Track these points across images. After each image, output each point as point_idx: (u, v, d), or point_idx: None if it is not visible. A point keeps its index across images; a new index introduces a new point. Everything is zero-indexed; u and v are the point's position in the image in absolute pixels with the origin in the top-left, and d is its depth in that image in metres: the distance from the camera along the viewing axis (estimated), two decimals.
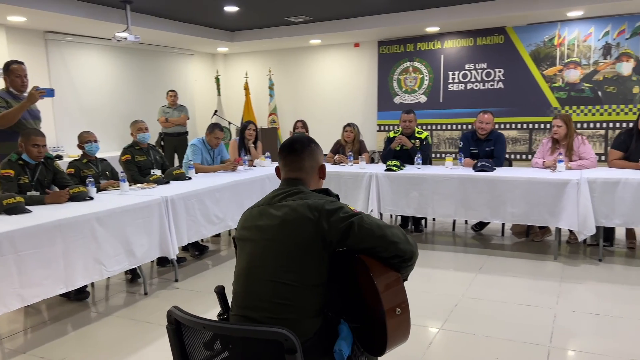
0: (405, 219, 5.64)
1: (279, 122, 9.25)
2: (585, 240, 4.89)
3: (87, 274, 3.51)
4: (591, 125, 7.35)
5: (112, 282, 4.34)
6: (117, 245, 3.69)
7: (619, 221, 4.26)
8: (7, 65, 4.35)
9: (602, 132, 7.32)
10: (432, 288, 3.85)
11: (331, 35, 8.20)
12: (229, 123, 8.73)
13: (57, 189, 4.01)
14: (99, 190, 4.23)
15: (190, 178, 4.93)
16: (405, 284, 1.74)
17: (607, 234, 4.60)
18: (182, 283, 4.27)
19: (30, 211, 3.47)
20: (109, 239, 3.62)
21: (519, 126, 7.80)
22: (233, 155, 5.81)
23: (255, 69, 9.59)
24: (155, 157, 5.13)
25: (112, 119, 7.87)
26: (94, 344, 3.21)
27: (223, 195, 4.64)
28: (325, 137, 6.12)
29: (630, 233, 4.78)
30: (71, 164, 4.48)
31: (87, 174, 4.38)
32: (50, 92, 4.40)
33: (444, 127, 8.23)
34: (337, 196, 1.84)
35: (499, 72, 7.85)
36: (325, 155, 6.13)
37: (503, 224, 5.38)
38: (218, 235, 5.59)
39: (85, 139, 4.51)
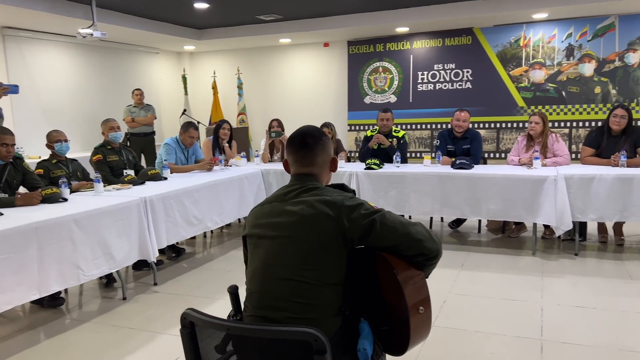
0: None
1: (248, 121, 9.12)
2: (559, 236, 5.01)
3: (63, 279, 3.33)
4: (556, 124, 7.57)
5: (86, 288, 4.15)
6: (96, 249, 3.53)
7: (594, 216, 4.38)
8: None
9: (566, 130, 7.55)
10: None
11: (301, 34, 8.14)
12: (198, 123, 8.50)
13: (27, 191, 3.81)
14: (71, 191, 4.03)
15: (166, 178, 4.78)
16: None
17: (580, 228, 4.73)
18: (161, 287, 4.12)
19: (1, 214, 3.27)
20: (87, 242, 3.45)
21: (487, 125, 7.95)
22: (207, 155, 5.67)
23: (223, 67, 9.42)
24: (128, 157, 4.95)
25: (76, 119, 7.56)
26: (72, 353, 3.05)
27: (202, 196, 4.52)
28: None
29: (602, 227, 4.93)
30: (40, 165, 4.26)
31: (57, 175, 4.18)
32: (14, 89, 4.18)
33: (414, 126, 8.30)
34: (353, 192, 1.79)
35: (467, 72, 7.98)
36: None
37: (480, 221, 5.46)
38: (193, 237, 5.44)
39: (54, 139, 4.31)
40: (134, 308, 3.71)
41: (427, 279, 1.70)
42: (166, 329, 3.32)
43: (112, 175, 4.69)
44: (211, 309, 3.63)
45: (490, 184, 4.57)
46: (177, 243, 4.91)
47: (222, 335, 1.62)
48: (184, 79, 9.18)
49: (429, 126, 8.29)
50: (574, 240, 4.74)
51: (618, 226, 4.81)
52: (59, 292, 3.69)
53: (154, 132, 7.97)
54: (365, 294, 1.74)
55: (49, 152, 4.34)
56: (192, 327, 1.61)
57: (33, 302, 3.50)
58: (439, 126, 8.16)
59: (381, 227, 1.62)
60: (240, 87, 9.04)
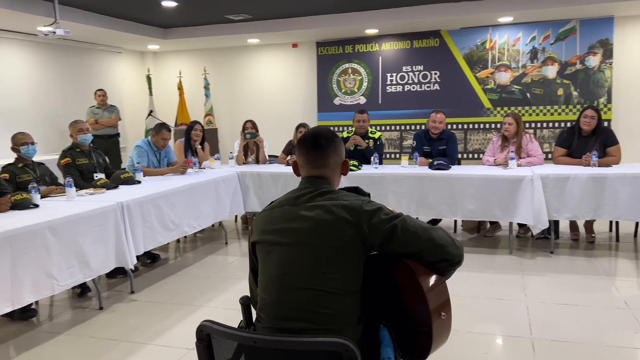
0: None
1: (215, 123, 8.94)
2: (532, 234, 5.13)
3: (37, 290, 3.17)
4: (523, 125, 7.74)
5: (58, 298, 3.95)
6: (71, 257, 3.36)
7: (569, 214, 4.49)
8: None
9: (531, 131, 7.73)
10: None
11: (270, 34, 8.05)
12: None
13: None
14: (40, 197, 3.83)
15: (139, 182, 4.61)
16: None
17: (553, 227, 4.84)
18: (139, 295, 3.97)
19: None
20: (63, 250, 3.29)
21: (454, 126, 8.06)
22: (179, 158, 5.52)
23: (189, 68, 9.21)
24: (98, 160, 4.75)
25: (35, 120, 7.21)
26: None
27: (178, 200, 4.38)
28: (264, 138, 5.97)
29: (573, 225, 5.07)
30: (5, 169, 4.04)
31: (24, 180, 3.97)
32: None
33: (383, 128, 8.33)
34: (368, 195, 1.74)
35: (435, 74, 8.08)
36: (276, 156, 6.00)
37: (455, 221, 5.52)
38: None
39: (20, 141, 4.09)
40: (112, 318, 3.55)
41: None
42: (150, 339, 3.19)
43: (82, 179, 4.49)
44: (195, 317, 3.51)
45: (468, 185, 4.62)
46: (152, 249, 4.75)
47: (232, 348, 1.54)
48: (149, 79, 8.92)
49: (398, 127, 8.35)
50: (547, 238, 4.86)
51: (589, 224, 4.95)
52: (31, 304, 3.48)
53: (118, 134, 7.70)
54: (383, 300, 1.69)
55: (14, 155, 4.11)
56: (209, 339, 1.52)
57: (3, 314, 3.29)
58: (408, 127, 8.24)
59: (403, 232, 1.57)
60: (207, 87, 8.85)
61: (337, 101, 8.56)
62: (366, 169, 5.02)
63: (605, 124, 6.89)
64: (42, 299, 3.82)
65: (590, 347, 2.90)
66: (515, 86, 7.78)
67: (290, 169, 5.28)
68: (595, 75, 7.40)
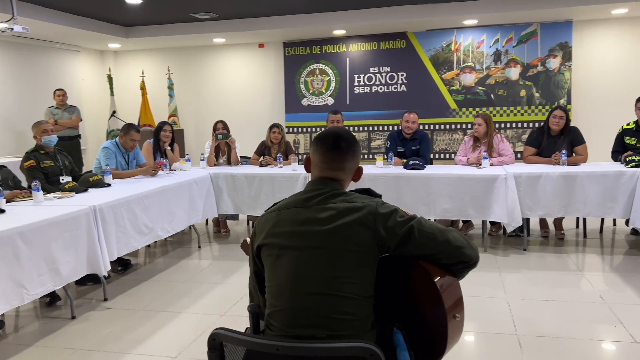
0: None
1: (180, 123, 8.73)
2: (504, 232, 5.23)
3: (7, 300, 2.98)
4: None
5: (24, 308, 3.74)
6: (41, 265, 3.18)
7: (541, 212, 4.60)
8: None
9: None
10: None
11: (236, 34, 7.93)
12: None
13: None
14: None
15: (109, 185, 4.43)
16: None
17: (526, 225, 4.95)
18: (112, 302, 3.80)
19: None
20: (33, 257, 3.11)
21: (421, 127, 8.11)
22: (148, 159, 5.34)
23: (152, 67, 8.96)
24: (64, 162, 4.55)
25: None
26: None
27: (152, 203, 4.24)
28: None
29: (543, 223, 5.20)
30: None
31: None
32: None
33: (351, 129, 8.34)
34: (380, 196, 1.69)
35: (402, 75, 8.16)
36: (247, 157, 5.91)
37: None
38: None
39: None
40: (86, 327, 3.38)
41: None
42: (128, 348, 3.05)
43: (47, 182, 4.28)
44: (175, 324, 3.39)
45: (444, 184, 4.67)
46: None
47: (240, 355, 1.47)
48: (110, 78, 8.63)
49: (366, 128, 8.38)
50: (519, 236, 4.97)
51: (558, 221, 5.09)
52: None
53: (79, 136, 7.42)
54: (396, 302, 1.65)
55: None
56: (222, 348, 1.45)
57: None
58: (376, 128, 8.28)
59: (419, 234, 1.54)
60: (171, 87, 8.64)
61: (305, 102, 8.52)
62: None
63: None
64: (7, 311, 3.62)
65: (575, 341, 2.96)
66: (480, 87, 7.94)
67: (264, 170, 5.21)
68: (556, 77, 7.64)
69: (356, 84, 8.32)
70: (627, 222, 5.06)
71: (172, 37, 7.97)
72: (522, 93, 7.80)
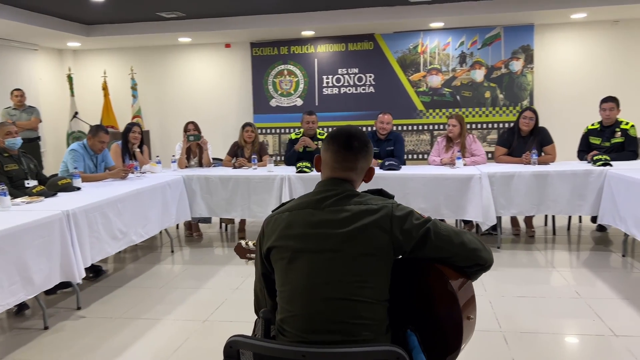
0: None
1: (144, 125, 8.50)
2: (477, 230, 5.32)
3: None
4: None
5: None
6: (13, 273, 3.02)
7: (515, 210, 4.71)
8: None
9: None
10: None
11: (202, 33, 7.79)
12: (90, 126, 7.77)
13: None
14: None
15: (79, 188, 4.26)
16: None
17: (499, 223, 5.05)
18: (87, 310, 3.65)
19: None
20: (4, 265, 2.95)
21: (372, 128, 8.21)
22: (116, 162, 5.17)
23: (114, 67, 8.69)
24: (29, 165, 4.35)
25: None
26: None
27: (126, 207, 4.09)
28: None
29: (514, 221, 5.32)
30: None
31: None
32: None
33: (321, 130, 8.32)
34: (392, 197, 1.66)
35: (370, 77, 8.21)
36: (219, 159, 5.80)
37: None
38: None
39: None
40: (60, 338, 3.23)
41: None
42: (109, 358, 2.93)
43: (11, 186, 4.07)
44: (156, 331, 3.29)
45: (420, 184, 4.71)
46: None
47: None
48: (70, 78, 8.31)
49: (325, 130, 8.36)
50: (491, 234, 5.06)
51: (529, 219, 5.22)
52: None
53: (38, 138, 7.12)
54: (409, 305, 1.63)
55: None
56: (238, 356, 1.40)
57: None
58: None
59: (436, 237, 1.52)
60: (134, 88, 8.40)
61: (273, 103, 8.45)
62: None
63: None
64: None
65: (558, 337, 3.04)
66: (446, 89, 8.07)
67: (240, 172, 5.12)
68: (519, 79, 7.85)
69: (325, 85, 8.31)
70: (592, 220, 5.25)
71: (135, 36, 7.75)
72: (487, 94, 7.98)
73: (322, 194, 1.59)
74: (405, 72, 8.14)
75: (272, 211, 1.69)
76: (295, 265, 1.52)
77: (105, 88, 8.34)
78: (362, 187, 1.69)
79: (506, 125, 7.84)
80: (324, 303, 1.47)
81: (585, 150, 5.18)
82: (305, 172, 4.87)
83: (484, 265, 1.58)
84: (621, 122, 5.04)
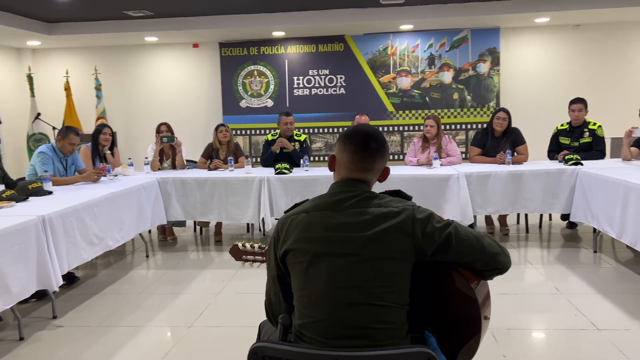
0: None
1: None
2: None
3: None
4: (421, 127, 8.11)
5: None
6: None
7: (491, 209, 4.80)
8: None
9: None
10: None
11: (169, 33, 7.62)
12: (53, 128, 7.49)
13: None
14: None
15: (51, 192, 4.08)
16: None
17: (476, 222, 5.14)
18: (63, 319, 3.50)
19: None
20: None
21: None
22: (86, 164, 4.99)
23: (77, 67, 8.39)
24: None
25: None
26: None
27: (101, 211, 3.95)
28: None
29: (489, 220, 5.43)
30: None
31: None
32: None
33: (297, 131, 8.27)
34: (410, 198, 1.63)
35: (341, 78, 8.22)
36: (192, 161, 5.69)
37: None
38: None
39: None
40: (38, 349, 3.08)
41: None
42: None
43: None
44: (140, 339, 3.18)
45: (398, 185, 4.71)
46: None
47: None
48: (30, 78, 7.97)
49: (306, 131, 8.34)
50: None
51: (503, 218, 5.33)
52: None
53: None
54: (426, 307, 1.62)
55: None
56: None
57: None
58: (316, 131, 8.28)
59: (457, 241, 1.51)
60: (98, 88, 8.13)
61: (243, 104, 8.36)
62: (297, 172, 4.93)
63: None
64: None
65: (544, 332, 3.11)
66: (416, 91, 8.17)
67: (217, 174, 5.02)
68: (486, 80, 8.02)
69: (295, 86, 8.28)
70: (562, 217, 5.42)
71: (100, 35, 7.51)
72: (455, 96, 8.12)
73: (339, 195, 1.56)
74: (376, 74, 8.19)
75: (285, 212, 1.65)
76: (315, 269, 1.49)
77: (67, 88, 8.04)
78: (377, 187, 1.68)
79: (474, 126, 8.02)
80: (346, 308, 1.44)
81: (555, 150, 5.34)
82: (284, 173, 4.82)
83: (503, 269, 1.58)
84: (589, 122, 5.22)
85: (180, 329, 3.29)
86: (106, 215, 4.01)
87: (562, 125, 5.39)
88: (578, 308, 3.41)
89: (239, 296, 3.87)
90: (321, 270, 1.48)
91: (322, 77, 8.25)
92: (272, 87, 8.29)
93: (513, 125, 5.29)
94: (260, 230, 5.45)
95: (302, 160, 5.10)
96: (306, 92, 8.28)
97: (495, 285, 3.78)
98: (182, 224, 5.46)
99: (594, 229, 5.07)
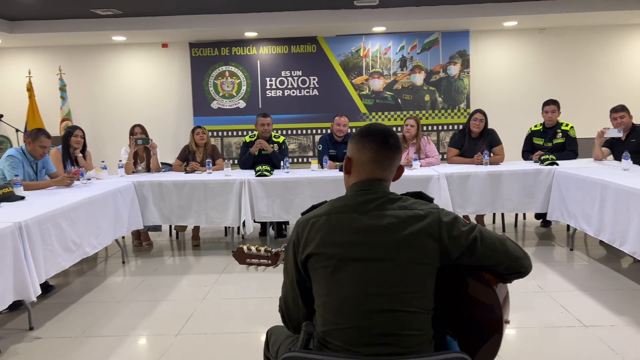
0: (264, 225, 5.43)
1: None
2: None
3: None
4: (395, 129, 8.22)
5: None
6: None
7: (471, 210, 4.86)
8: None
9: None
10: None
11: (138, 32, 7.43)
12: (16, 130, 7.18)
13: None
14: None
15: (23, 197, 3.90)
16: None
17: None
18: (41, 331, 3.34)
19: None
20: None
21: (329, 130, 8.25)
22: (57, 168, 4.79)
23: (40, 67, 8.06)
24: None
25: None
26: None
27: (78, 216, 3.80)
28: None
29: (466, 219, 5.48)
30: None
31: None
32: None
33: (275, 132, 8.17)
34: (432, 200, 1.61)
35: (314, 79, 8.19)
36: (168, 164, 5.56)
37: None
38: None
39: None
40: None
41: None
42: None
43: None
44: (125, 349, 3.06)
45: None
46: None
47: None
48: None
49: (279, 132, 8.26)
50: None
51: (480, 217, 5.41)
52: None
53: None
54: (447, 311, 1.59)
55: None
56: None
57: None
58: (290, 132, 8.22)
59: (482, 245, 1.49)
60: (63, 89, 7.85)
61: (214, 105, 8.22)
62: (278, 174, 4.87)
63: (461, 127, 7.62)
64: None
65: (532, 330, 3.15)
66: (388, 92, 8.22)
67: (195, 177, 4.90)
68: (456, 82, 8.15)
69: (268, 87, 8.20)
70: (536, 216, 5.55)
71: (65, 33, 7.25)
72: (427, 98, 8.21)
73: (362, 196, 1.52)
74: (348, 76, 8.20)
75: (302, 214, 1.60)
76: (341, 274, 1.44)
77: (30, 89, 7.72)
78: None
79: (445, 127, 8.13)
80: (376, 315, 1.41)
81: (529, 150, 5.46)
82: (265, 175, 4.75)
83: (524, 272, 1.58)
84: (562, 123, 5.35)
85: (167, 337, 3.18)
86: (83, 221, 3.85)
87: (535, 126, 5.52)
88: (563, 305, 3.48)
89: (225, 302, 3.78)
90: (348, 276, 1.43)
91: (295, 78, 8.20)
92: (244, 88, 8.19)
93: None
94: (238, 233, 5.37)
95: (282, 162, 5.04)
96: (279, 93, 8.22)
97: None
98: (157, 228, 5.32)
99: (568, 227, 5.23)
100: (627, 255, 4.42)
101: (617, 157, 5.01)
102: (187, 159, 5.34)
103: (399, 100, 8.23)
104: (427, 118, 8.22)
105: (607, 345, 2.90)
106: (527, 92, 8.01)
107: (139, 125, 5.33)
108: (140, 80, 8.27)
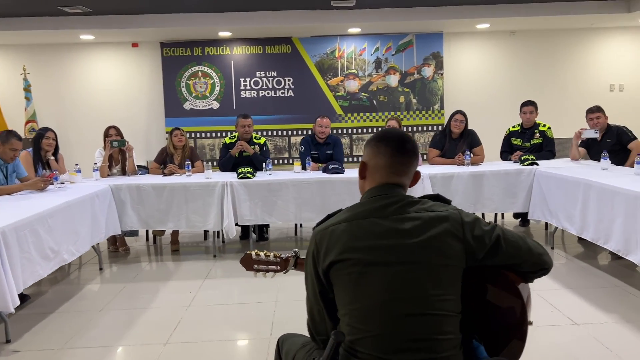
0: (245, 228, 5.33)
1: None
2: None
3: None
4: (369, 130, 8.23)
5: None
6: None
7: None
8: None
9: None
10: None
11: (107, 31, 7.20)
12: None
13: None
14: None
15: None
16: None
17: None
18: (19, 343, 3.16)
19: None
20: None
21: (309, 132, 8.18)
22: (29, 172, 4.57)
23: (3, 66, 7.72)
24: None
25: None
26: None
27: (56, 222, 3.62)
28: (98, 146, 5.30)
29: None
30: None
31: None
32: None
33: (256, 133, 8.05)
34: (450, 202, 1.60)
35: (289, 80, 8.12)
36: (144, 167, 5.39)
37: None
38: None
39: None
40: None
41: None
42: None
43: None
44: None
45: None
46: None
47: None
48: None
49: (260, 133, 8.16)
50: None
51: None
52: None
53: None
54: (472, 313, 1.57)
55: None
56: None
57: None
58: (265, 133, 8.12)
59: (506, 244, 1.48)
60: (27, 89, 7.54)
61: (187, 106, 8.04)
62: (261, 176, 4.78)
63: (441, 128, 7.70)
64: None
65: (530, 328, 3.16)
66: (363, 93, 8.23)
67: (175, 180, 4.76)
68: (430, 84, 8.22)
69: (242, 88, 8.08)
70: (514, 216, 5.63)
71: (30, 32, 6.96)
72: (401, 99, 8.25)
73: (381, 200, 1.49)
74: (324, 77, 8.16)
75: (318, 224, 1.55)
76: (367, 280, 1.40)
77: None
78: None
79: (420, 128, 8.19)
80: (406, 320, 1.37)
81: (507, 150, 5.53)
82: (248, 177, 4.66)
83: (548, 269, 1.56)
84: (539, 124, 5.45)
85: (156, 347, 3.06)
86: (61, 227, 3.67)
87: (513, 126, 5.59)
88: (552, 304, 3.51)
89: (211, 308, 3.67)
90: (375, 281, 1.39)
91: (270, 79, 8.11)
92: (217, 88, 8.05)
93: None
94: (219, 237, 5.25)
95: (264, 163, 4.95)
96: (254, 94, 8.11)
97: None
98: (134, 233, 5.14)
99: (546, 226, 5.33)
100: (605, 252, 4.53)
101: (593, 157, 5.13)
102: (165, 161, 5.19)
103: (374, 102, 8.24)
104: (401, 119, 8.24)
105: (600, 342, 2.94)
106: (499, 94, 8.16)
107: (114, 127, 5.14)
108: (109, 81, 8.03)
